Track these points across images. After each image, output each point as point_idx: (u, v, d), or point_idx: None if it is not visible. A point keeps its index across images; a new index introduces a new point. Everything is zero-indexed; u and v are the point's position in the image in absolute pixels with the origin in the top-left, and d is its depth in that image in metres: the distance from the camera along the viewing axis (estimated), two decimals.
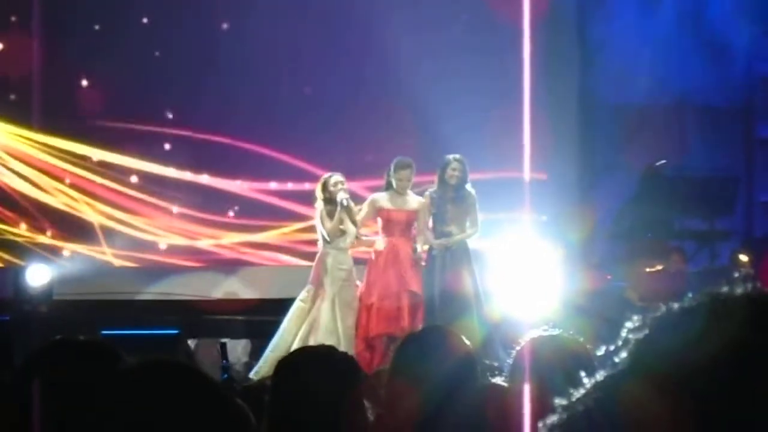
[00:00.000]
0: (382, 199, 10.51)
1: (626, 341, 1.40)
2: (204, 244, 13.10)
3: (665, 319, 1.39)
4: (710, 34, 13.35)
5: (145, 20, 13.10)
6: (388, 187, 10.53)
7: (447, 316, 9.87)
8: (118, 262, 12.99)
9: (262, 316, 12.04)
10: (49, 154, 12.96)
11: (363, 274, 10.55)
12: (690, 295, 1.41)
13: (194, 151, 13.00)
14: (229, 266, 13.08)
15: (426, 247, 10.52)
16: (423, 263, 10.49)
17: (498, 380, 3.60)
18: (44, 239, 12.90)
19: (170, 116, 13.08)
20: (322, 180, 10.58)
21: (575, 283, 11.25)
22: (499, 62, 12.18)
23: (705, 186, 13.17)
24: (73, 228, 12.93)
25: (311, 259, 11.67)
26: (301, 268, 12.69)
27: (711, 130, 13.75)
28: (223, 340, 11.56)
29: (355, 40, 13.13)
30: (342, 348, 9.66)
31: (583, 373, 1.42)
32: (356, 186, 11.50)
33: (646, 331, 1.39)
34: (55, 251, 12.82)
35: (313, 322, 10.28)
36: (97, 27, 13.01)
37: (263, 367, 10.08)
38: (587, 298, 10.87)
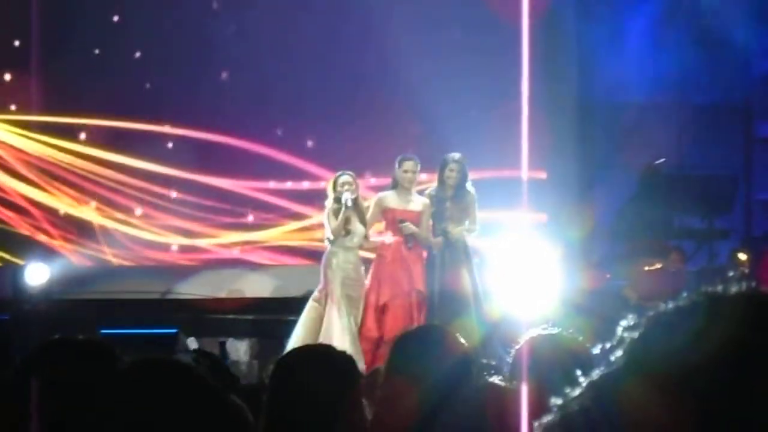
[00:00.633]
0: (388, 198, 10.49)
1: (622, 340, 1.40)
2: (204, 243, 13.10)
3: (661, 318, 1.39)
4: (709, 32, 13.35)
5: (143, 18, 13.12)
6: (395, 185, 10.52)
7: (446, 314, 9.86)
8: (116, 261, 13.00)
9: (262, 315, 12.05)
10: (49, 152, 12.96)
11: (368, 273, 10.50)
12: (686, 294, 1.41)
13: (194, 150, 13.00)
14: (229, 265, 13.07)
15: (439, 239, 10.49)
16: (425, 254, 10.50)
17: (496, 379, 3.59)
18: (43, 238, 12.90)
19: (170, 115, 13.07)
20: (333, 178, 10.55)
21: (574, 282, 11.25)
22: (498, 61, 12.17)
23: (704, 185, 13.17)
24: (72, 227, 12.93)
25: (311, 257, 11.68)
26: (301, 266, 12.70)
27: (710, 129, 13.74)
28: (222, 339, 11.56)
29: (354, 40, 13.13)
30: (355, 346, 9.68)
31: (580, 372, 1.43)
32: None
33: (642, 330, 1.39)
34: (54, 250, 12.82)
35: (329, 322, 10.21)
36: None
37: None
38: (586, 297, 10.86)
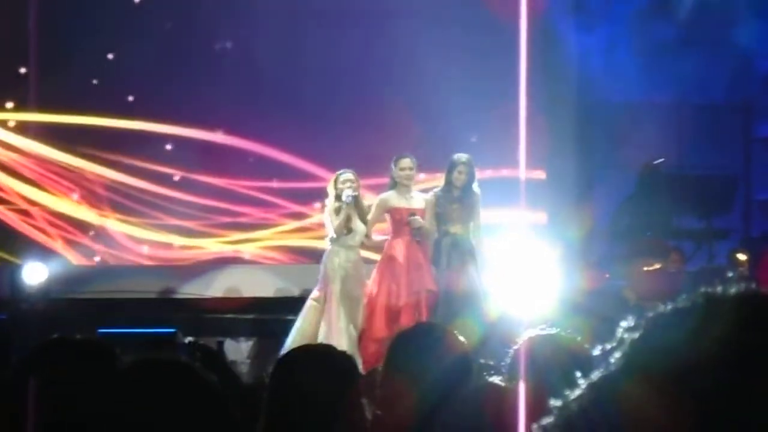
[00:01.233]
0: (391, 198, 10.49)
1: (621, 341, 1.40)
2: (203, 242, 13.10)
3: (660, 319, 1.39)
4: (709, 31, 13.34)
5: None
6: (393, 185, 10.52)
7: (450, 313, 9.86)
8: (115, 261, 12.99)
9: (261, 315, 12.05)
10: (47, 152, 12.96)
11: (371, 273, 10.47)
12: (686, 294, 1.41)
13: (194, 150, 13.00)
14: (228, 265, 13.06)
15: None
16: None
17: (496, 379, 3.59)
18: (41, 237, 12.89)
19: (170, 114, 13.07)
20: (334, 176, 10.55)
21: (573, 282, 11.24)
22: (497, 61, 12.16)
23: (703, 184, 13.17)
24: (70, 226, 12.93)
25: (311, 257, 11.67)
26: (300, 266, 12.69)
27: (709, 128, 13.74)
28: (221, 339, 11.56)
29: (354, 41, 13.13)
30: (351, 347, 9.66)
31: (579, 372, 1.43)
32: None
33: (641, 331, 1.39)
34: (52, 249, 12.81)
35: (329, 322, 10.19)
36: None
37: None
38: (585, 296, 10.86)
